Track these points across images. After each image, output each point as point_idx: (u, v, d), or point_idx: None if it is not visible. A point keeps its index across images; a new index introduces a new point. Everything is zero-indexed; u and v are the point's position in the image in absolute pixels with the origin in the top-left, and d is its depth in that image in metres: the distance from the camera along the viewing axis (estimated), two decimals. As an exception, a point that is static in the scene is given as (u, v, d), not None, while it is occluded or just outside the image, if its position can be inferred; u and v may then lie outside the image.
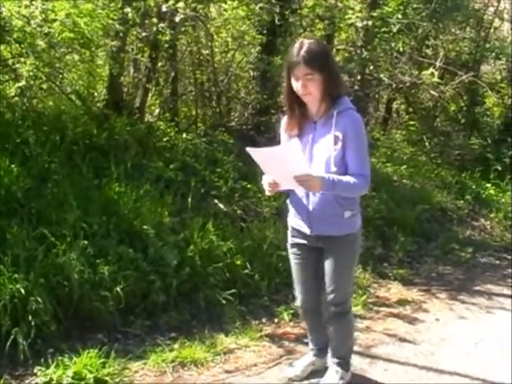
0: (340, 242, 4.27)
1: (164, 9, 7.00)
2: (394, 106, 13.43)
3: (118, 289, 5.32)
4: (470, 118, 13.38)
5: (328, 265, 4.33)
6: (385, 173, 9.96)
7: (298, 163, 3.95)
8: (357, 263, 4.69)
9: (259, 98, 9.76)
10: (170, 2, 6.86)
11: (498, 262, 8.47)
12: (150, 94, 8.66)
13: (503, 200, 10.74)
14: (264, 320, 5.93)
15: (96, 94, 8.61)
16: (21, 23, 6.25)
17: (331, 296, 4.39)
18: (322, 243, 4.32)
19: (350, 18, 9.90)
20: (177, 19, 7.58)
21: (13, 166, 5.99)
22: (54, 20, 6.57)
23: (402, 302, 6.64)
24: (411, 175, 10.25)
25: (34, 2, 6.42)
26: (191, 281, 5.90)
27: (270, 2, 9.04)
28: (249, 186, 7.64)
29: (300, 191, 4.23)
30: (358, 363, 5.07)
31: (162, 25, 7.30)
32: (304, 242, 4.42)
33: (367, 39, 10.49)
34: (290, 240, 4.56)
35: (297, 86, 4.04)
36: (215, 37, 9.60)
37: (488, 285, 7.44)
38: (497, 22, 13.90)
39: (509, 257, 8.61)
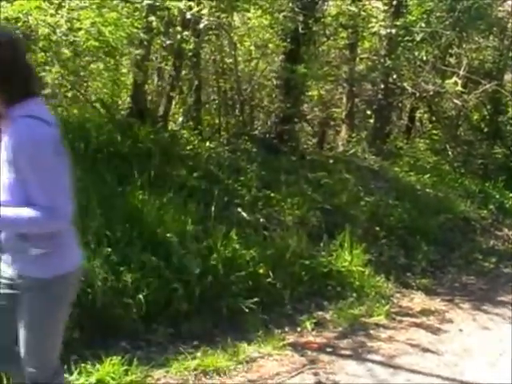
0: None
1: (188, 16, 7.01)
2: (417, 114, 13.41)
3: (141, 296, 5.33)
4: (493, 126, 13.32)
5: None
6: (408, 182, 9.93)
7: None
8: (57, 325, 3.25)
9: (282, 106, 9.78)
10: (194, 10, 6.88)
11: (521, 271, 8.41)
12: (173, 103, 8.70)
13: (526, 209, 10.68)
14: (287, 329, 5.91)
15: (120, 102, 8.68)
16: (47, 31, 6.31)
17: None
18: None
19: (373, 27, 9.90)
20: (201, 26, 7.61)
21: (37, 173, 6.02)
22: (80, 29, 6.64)
23: (425, 312, 6.60)
24: (434, 184, 10.21)
25: (59, 11, 6.48)
26: (214, 289, 5.90)
27: (293, 11, 9.07)
28: (272, 194, 7.65)
29: None
30: (380, 373, 5.05)
31: (186, 33, 7.34)
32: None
33: (390, 48, 10.49)
34: None
35: None
36: (239, 45, 9.64)
37: (511, 295, 7.39)
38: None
39: (532, 267, 8.54)
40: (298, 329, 5.94)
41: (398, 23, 9.93)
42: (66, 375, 4.61)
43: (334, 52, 11.59)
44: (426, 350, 5.67)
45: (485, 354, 5.63)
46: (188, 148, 8.01)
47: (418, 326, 6.22)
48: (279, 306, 6.26)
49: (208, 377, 4.93)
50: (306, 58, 9.77)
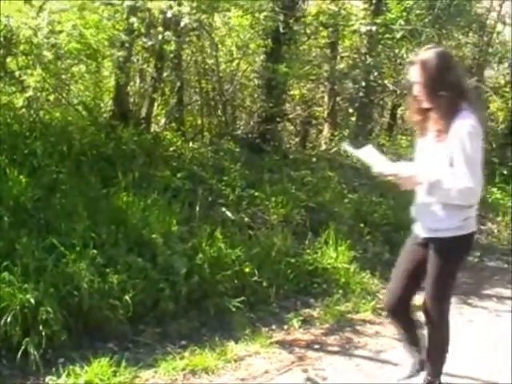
0: None
1: (169, 14, 7.01)
2: (399, 112, 13.45)
3: (128, 297, 5.32)
4: (475, 122, 13.36)
5: None
6: (391, 178, 9.95)
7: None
8: None
9: (264, 106, 9.81)
10: (175, 8, 6.88)
11: (505, 265, 8.48)
12: (155, 104, 8.70)
13: (509, 203, 10.74)
14: (274, 327, 5.93)
15: (102, 104, 8.66)
16: (28, 33, 6.29)
17: None
18: None
19: (353, 25, 9.94)
20: (182, 24, 7.61)
21: (21, 176, 6.03)
22: (61, 31, 6.63)
23: (410, 307, 6.62)
24: (417, 180, 10.23)
25: (40, 14, 6.47)
26: (200, 289, 5.91)
27: (273, 11, 9.09)
28: (256, 193, 7.67)
29: None
30: (367, 368, 5.08)
31: (167, 33, 7.33)
32: None
33: (371, 46, 10.54)
34: None
35: None
36: (220, 46, 9.65)
37: (496, 288, 7.45)
38: (499, 27, 13.92)
39: (516, 260, 8.60)
40: (285, 326, 5.96)
41: (377, 21, 9.97)
42: (54, 377, 4.62)
43: (314, 51, 11.63)
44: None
45: (471, 346, 5.67)
46: (171, 149, 8.03)
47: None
48: (266, 305, 6.27)
49: (197, 376, 4.93)
50: (288, 58, 9.80)
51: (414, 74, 4.06)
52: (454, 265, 4.28)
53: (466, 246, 4.29)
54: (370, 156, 4.18)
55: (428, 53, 4.06)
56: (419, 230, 4.28)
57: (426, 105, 4.08)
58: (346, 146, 4.47)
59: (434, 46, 4.42)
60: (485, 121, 13.73)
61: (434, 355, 4.47)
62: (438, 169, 3.96)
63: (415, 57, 4.13)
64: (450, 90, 3.96)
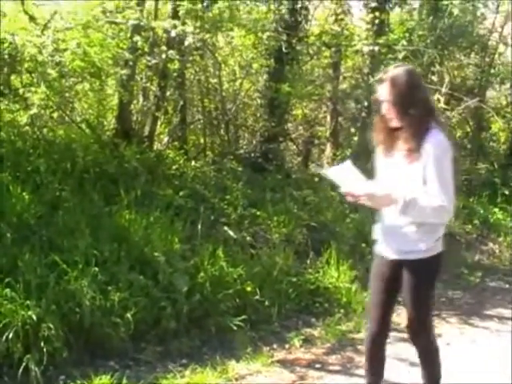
0: None
1: (173, 34, 7.06)
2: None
3: (129, 315, 5.33)
4: (477, 143, 13.40)
5: None
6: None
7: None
8: None
9: (267, 125, 9.84)
10: (179, 28, 6.93)
11: (507, 285, 8.48)
12: (158, 123, 8.73)
13: (511, 224, 10.74)
14: (275, 346, 5.93)
15: (106, 122, 8.69)
16: (33, 51, 6.33)
17: None
18: None
19: (355, 45, 9.98)
20: (185, 43, 7.66)
21: (24, 193, 6.05)
22: (65, 49, 6.67)
23: (412, 327, 6.60)
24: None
25: (45, 32, 6.51)
26: (202, 307, 5.91)
27: (276, 31, 9.15)
28: (258, 212, 7.68)
29: None
30: (369, 388, 5.06)
31: (171, 52, 7.38)
32: None
33: (373, 66, 10.56)
34: None
35: None
36: (223, 65, 9.69)
37: (498, 308, 7.43)
38: (501, 48, 13.97)
39: (518, 280, 8.60)
40: (287, 346, 5.95)
41: (380, 41, 10.02)
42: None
43: (317, 71, 11.66)
44: (413, 365, 5.65)
45: (473, 367, 5.65)
46: (174, 167, 8.05)
47: (405, 340, 6.18)
48: (267, 324, 6.27)
49: (197, 394, 4.93)
50: (290, 77, 9.84)
51: (383, 92, 3.97)
52: (429, 285, 4.25)
53: (438, 265, 4.23)
54: (344, 174, 4.03)
55: (397, 70, 3.99)
56: (387, 252, 4.18)
57: (394, 123, 4.00)
58: (316, 168, 4.37)
59: (402, 64, 4.41)
60: (487, 141, 13.81)
61: (430, 374, 4.47)
62: (412, 188, 3.89)
63: (384, 75, 4.04)
64: (419, 107, 3.92)
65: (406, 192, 3.86)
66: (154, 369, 5.25)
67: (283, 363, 5.55)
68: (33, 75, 6.90)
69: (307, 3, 10.34)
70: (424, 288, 4.17)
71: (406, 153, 3.94)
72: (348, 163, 4.10)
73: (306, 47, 10.36)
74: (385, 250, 4.19)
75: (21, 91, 7.12)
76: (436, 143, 3.88)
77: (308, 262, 7.33)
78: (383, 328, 4.35)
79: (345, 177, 4.02)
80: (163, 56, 7.44)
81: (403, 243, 4.06)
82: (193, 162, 8.48)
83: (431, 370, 4.45)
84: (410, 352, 5.87)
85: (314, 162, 12.03)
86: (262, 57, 10.01)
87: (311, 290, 6.91)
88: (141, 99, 8.47)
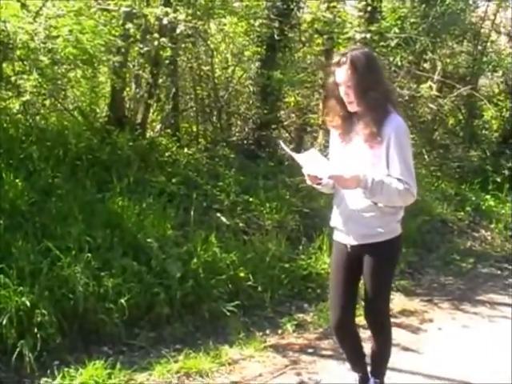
0: None
1: (165, 21, 7.06)
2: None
3: (123, 301, 5.36)
4: (469, 130, 13.43)
5: None
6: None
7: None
8: None
9: (259, 112, 9.84)
10: (171, 15, 6.92)
11: (499, 271, 8.52)
12: (151, 110, 8.72)
13: (503, 211, 10.79)
14: (268, 331, 5.96)
15: (98, 110, 8.67)
16: (25, 38, 6.31)
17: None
18: None
19: (347, 32, 9.97)
20: (177, 30, 7.66)
21: (17, 180, 6.06)
22: (57, 36, 6.65)
23: (404, 313, 6.66)
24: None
25: (37, 19, 6.49)
26: (195, 293, 5.94)
27: (269, 18, 9.14)
28: (250, 199, 7.70)
29: None
30: (361, 372, 5.09)
31: (163, 39, 7.38)
32: None
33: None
34: None
35: None
36: (215, 53, 9.68)
37: (490, 294, 7.48)
38: (493, 36, 13.98)
39: (510, 267, 8.66)
40: (279, 331, 5.99)
41: (372, 29, 10.00)
42: (49, 380, 4.64)
43: (309, 58, 11.65)
44: (406, 349, 5.72)
45: (464, 352, 5.70)
46: (166, 155, 8.05)
47: (397, 325, 6.27)
48: (260, 309, 6.31)
49: (191, 379, 4.97)
50: (282, 65, 9.85)
51: (342, 76, 3.89)
52: (392, 267, 4.29)
53: (400, 247, 4.28)
54: (310, 159, 3.98)
55: (356, 53, 3.92)
56: (347, 239, 4.16)
57: (353, 107, 3.96)
58: (282, 145, 4.36)
59: (359, 47, 4.36)
60: (479, 129, 13.84)
61: (380, 358, 4.49)
62: (376, 172, 3.89)
63: (342, 57, 3.92)
64: (379, 91, 3.90)
65: (373, 175, 3.86)
66: (148, 354, 5.28)
67: (276, 348, 5.59)
68: (25, 62, 6.88)
69: (299, -10, 10.34)
70: (386, 270, 4.20)
71: (366, 137, 3.91)
72: (313, 150, 4.09)
73: (298, 34, 10.33)
74: (345, 237, 4.18)
75: (13, 78, 7.09)
76: (396, 127, 3.89)
77: (300, 248, 7.36)
78: (349, 316, 4.31)
79: (310, 161, 3.97)
80: (155, 43, 7.42)
81: (364, 227, 4.05)
82: (185, 149, 8.48)
83: (384, 348, 4.44)
84: (402, 337, 5.98)
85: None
86: (254, 44, 10.01)
87: (304, 275, 6.94)
88: (133, 86, 8.45)
